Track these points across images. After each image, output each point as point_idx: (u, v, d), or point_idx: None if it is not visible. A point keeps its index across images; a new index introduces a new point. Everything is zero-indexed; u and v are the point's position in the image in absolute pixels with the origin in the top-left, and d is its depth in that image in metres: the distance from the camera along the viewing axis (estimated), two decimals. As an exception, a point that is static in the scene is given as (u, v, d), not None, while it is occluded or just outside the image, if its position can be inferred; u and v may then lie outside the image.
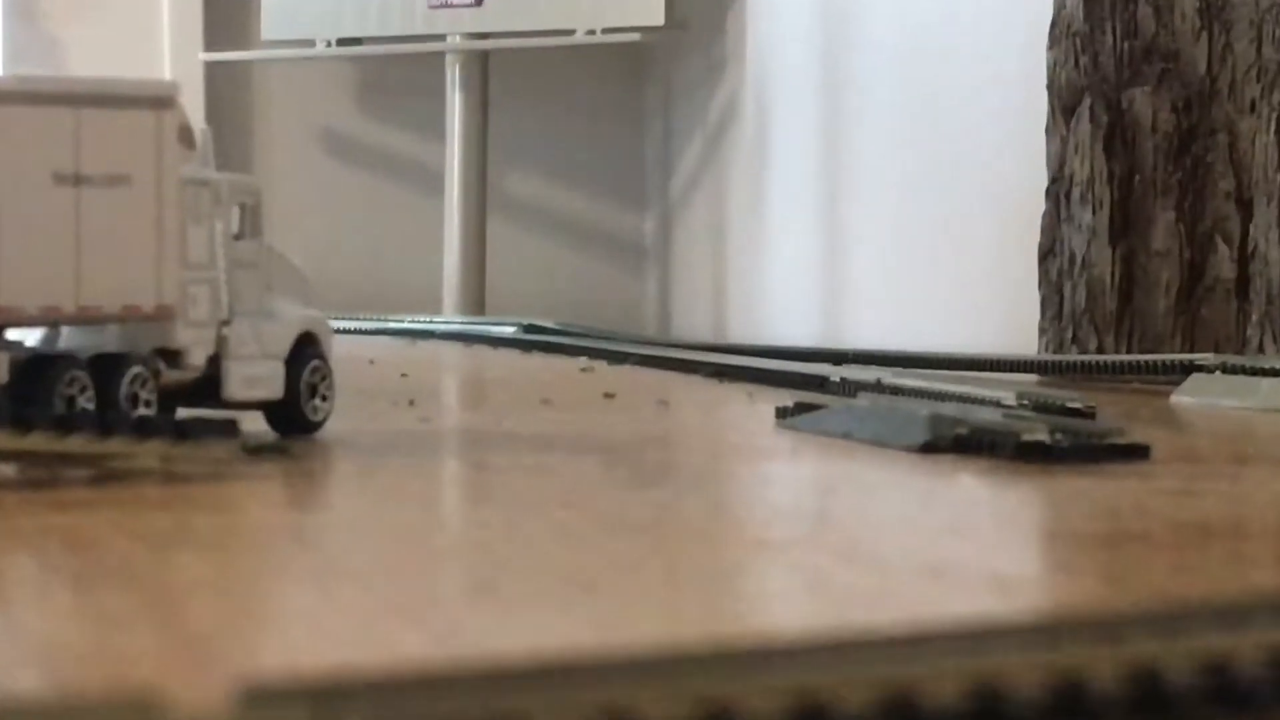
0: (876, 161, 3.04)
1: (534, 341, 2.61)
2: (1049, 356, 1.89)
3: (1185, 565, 0.67)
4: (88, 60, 3.77)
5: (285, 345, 1.06)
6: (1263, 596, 0.43)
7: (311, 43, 3.80)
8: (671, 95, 3.91)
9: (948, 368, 1.81)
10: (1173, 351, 1.78)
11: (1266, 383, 1.47)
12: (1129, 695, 0.38)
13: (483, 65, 3.77)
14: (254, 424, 1.02)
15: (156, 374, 0.98)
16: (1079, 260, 1.93)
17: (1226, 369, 1.55)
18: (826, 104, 3.24)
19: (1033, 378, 1.74)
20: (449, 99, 3.77)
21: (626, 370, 1.98)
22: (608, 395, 1.53)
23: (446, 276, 3.50)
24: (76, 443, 0.87)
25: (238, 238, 1.04)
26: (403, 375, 1.79)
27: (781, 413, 1.25)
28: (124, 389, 0.96)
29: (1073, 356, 1.84)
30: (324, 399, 1.08)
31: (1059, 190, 2.00)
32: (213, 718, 0.33)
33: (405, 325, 3.12)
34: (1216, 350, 1.75)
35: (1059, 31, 2.02)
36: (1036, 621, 0.42)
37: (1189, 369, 1.57)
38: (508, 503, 0.89)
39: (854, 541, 0.74)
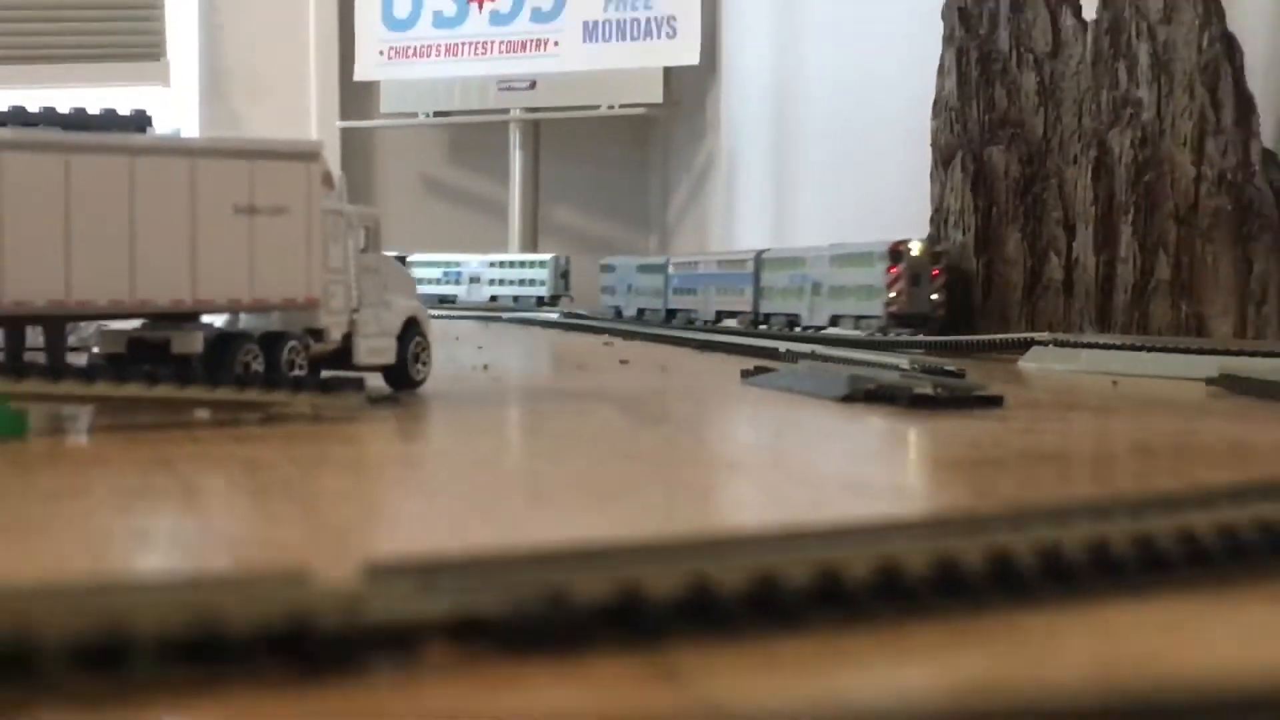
0: (811, 199, 3.06)
1: (572, 324, 2.62)
2: (933, 336, 1.90)
3: (1029, 481, 0.67)
4: (258, 127, 3.78)
5: (397, 326, 1.06)
6: (1083, 503, 0.43)
7: (415, 114, 3.83)
8: (668, 154, 3.93)
9: (863, 347, 1.82)
10: (1019, 331, 1.78)
11: (1085, 353, 1.48)
12: (991, 571, 0.38)
13: (535, 131, 3.81)
14: (375, 381, 1.02)
15: (307, 346, 0.98)
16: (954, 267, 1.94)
17: (1057, 343, 1.55)
18: (775, 160, 3.27)
19: (920, 352, 1.73)
20: (511, 155, 3.82)
21: (637, 344, 1.98)
22: (623, 361, 1.53)
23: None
24: (251, 394, 0.87)
25: (363, 251, 1.04)
26: (479, 348, 1.80)
27: (745, 374, 1.25)
28: (284, 356, 0.96)
29: (949, 336, 1.84)
30: (424, 364, 1.08)
31: (940, 218, 2.00)
32: (345, 589, 0.32)
33: (480, 313, 3.12)
34: (1050, 330, 1.76)
35: (939, 106, 2.01)
36: (925, 520, 0.42)
37: (1030, 344, 1.57)
38: (554, 437, 0.89)
39: (797, 465, 0.73)
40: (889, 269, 1.85)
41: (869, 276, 1.90)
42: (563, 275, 3.18)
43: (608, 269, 2.94)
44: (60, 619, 0.30)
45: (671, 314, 2.59)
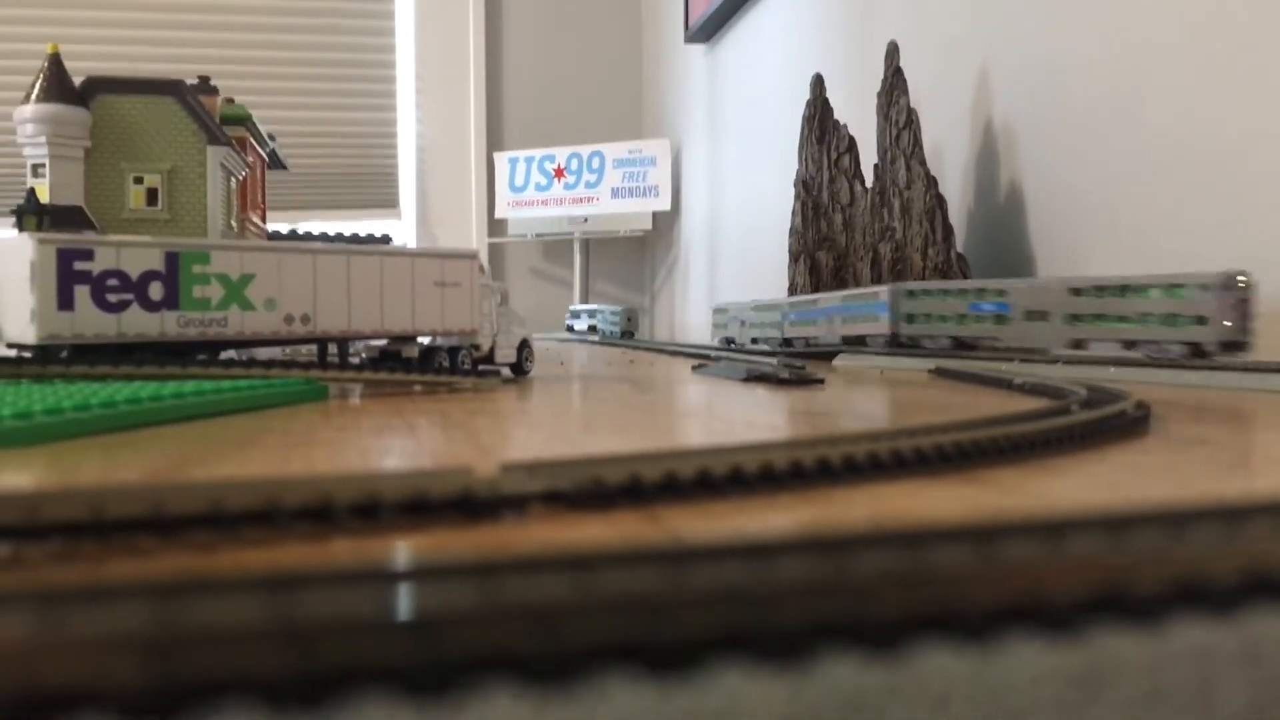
0: (727, 278, 3.03)
1: (611, 341, 2.61)
2: (791, 349, 1.89)
3: (837, 421, 0.67)
4: (446, 242, 3.76)
5: (516, 342, 1.05)
6: (865, 431, 0.43)
7: (525, 235, 3.81)
8: (654, 255, 3.92)
9: (753, 353, 1.81)
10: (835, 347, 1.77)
11: (866, 357, 1.47)
12: (818, 468, 0.38)
13: (587, 245, 3.77)
14: (505, 372, 1.01)
15: (470, 353, 0.98)
16: (800, 313, 1.93)
17: (851, 352, 1.54)
18: (710, 259, 3.24)
19: (783, 356, 1.72)
20: (575, 256, 3.78)
21: (641, 353, 1.97)
22: (632, 361, 1.53)
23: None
24: (442, 379, 0.87)
25: (500, 304, 1.04)
26: (560, 356, 1.79)
27: (695, 367, 1.24)
28: (460, 359, 0.96)
29: (799, 349, 1.83)
30: (531, 363, 1.07)
31: (791, 290, 1.99)
32: (490, 476, 0.32)
33: (560, 336, 3.11)
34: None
35: (791, 230, 2.00)
36: (787, 441, 0.42)
37: (839, 352, 1.57)
38: (598, 399, 0.88)
39: (720, 415, 0.73)
40: (1222, 301, 0.96)
41: (1177, 306, 0.98)
42: (629, 319, 2.96)
43: (721, 310, 2.17)
44: (347, 490, 0.30)
45: (788, 341, 1.78)
